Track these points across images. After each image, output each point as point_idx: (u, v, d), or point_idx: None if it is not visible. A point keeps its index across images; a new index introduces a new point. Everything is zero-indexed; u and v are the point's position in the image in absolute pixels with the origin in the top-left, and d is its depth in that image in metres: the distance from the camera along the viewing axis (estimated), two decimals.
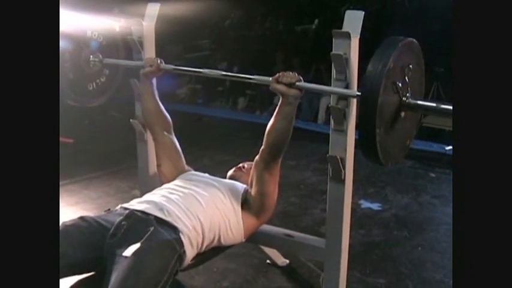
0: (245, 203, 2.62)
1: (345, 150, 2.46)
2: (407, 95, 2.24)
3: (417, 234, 3.97)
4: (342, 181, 2.50)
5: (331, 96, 2.47)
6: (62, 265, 2.18)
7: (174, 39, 10.27)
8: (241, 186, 2.70)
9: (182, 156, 2.92)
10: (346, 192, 2.52)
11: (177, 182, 2.71)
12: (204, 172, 2.84)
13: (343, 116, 2.42)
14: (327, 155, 2.50)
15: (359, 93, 2.24)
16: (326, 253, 2.65)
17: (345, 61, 2.35)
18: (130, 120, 3.20)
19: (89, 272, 2.33)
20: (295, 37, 10.07)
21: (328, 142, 2.51)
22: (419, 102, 2.27)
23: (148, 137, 3.13)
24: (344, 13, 2.43)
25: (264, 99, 8.67)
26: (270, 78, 2.49)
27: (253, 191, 2.63)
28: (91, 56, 3.01)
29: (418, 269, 3.43)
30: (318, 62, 8.41)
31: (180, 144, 2.94)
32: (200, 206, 2.49)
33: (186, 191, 2.58)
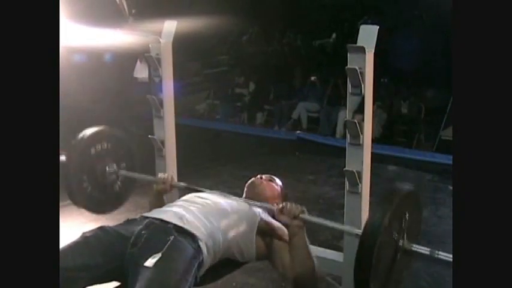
0: (263, 235, 2.62)
1: (362, 164, 2.47)
2: (404, 239, 2.23)
3: (436, 248, 3.93)
4: (359, 195, 2.51)
5: (347, 110, 2.49)
6: (85, 277, 2.23)
7: (193, 55, 10.36)
8: (257, 211, 2.68)
9: None
10: (363, 205, 2.53)
11: (195, 194, 2.74)
12: (224, 187, 2.86)
13: (359, 130, 2.44)
14: (344, 169, 2.51)
15: (359, 233, 2.24)
16: (344, 267, 2.65)
17: (360, 75, 2.37)
18: (149, 136, 3.23)
19: (110, 281, 2.35)
20: (313, 52, 10.09)
21: None
22: (414, 248, 2.27)
23: (167, 152, 3.16)
24: None
25: (282, 115, 8.68)
26: (275, 208, 2.56)
27: (276, 261, 2.60)
28: (107, 167, 3.09)
29: (437, 283, 3.41)
30: (336, 76, 8.42)
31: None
32: (217, 216, 2.51)
33: (203, 201, 2.62)
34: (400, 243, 2.21)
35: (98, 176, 3.06)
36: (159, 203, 2.93)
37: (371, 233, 2.07)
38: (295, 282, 2.53)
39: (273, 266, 2.63)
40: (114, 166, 3.12)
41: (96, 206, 3.18)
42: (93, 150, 3.03)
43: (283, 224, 2.55)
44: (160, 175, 3.03)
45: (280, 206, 2.54)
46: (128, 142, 3.24)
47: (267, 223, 2.64)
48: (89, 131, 3.06)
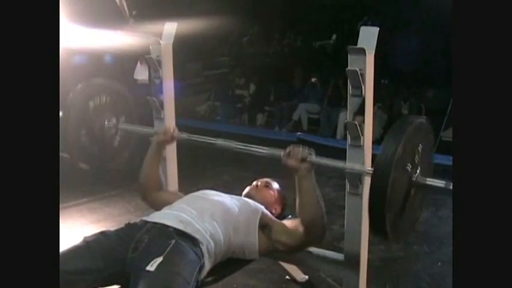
0: (263, 228, 2.61)
1: (362, 165, 2.47)
2: (417, 173, 2.23)
3: (437, 249, 3.94)
4: (360, 196, 2.51)
5: (348, 111, 2.49)
6: (86, 280, 2.23)
7: (193, 56, 10.36)
8: (259, 207, 2.69)
9: (178, 194, 2.90)
10: (364, 207, 2.53)
11: (194, 195, 2.73)
12: (224, 188, 2.85)
13: (359, 132, 2.44)
14: (344, 170, 2.51)
15: (370, 171, 2.25)
16: (345, 268, 2.65)
17: (360, 77, 2.37)
18: (150, 138, 3.23)
19: (111, 285, 2.35)
20: (313, 53, 10.08)
21: None
22: (428, 182, 2.26)
23: (167, 153, 3.16)
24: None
25: (283, 116, 8.67)
26: (282, 153, 2.54)
27: (279, 237, 2.59)
28: (106, 121, 3.06)
29: (438, 284, 3.40)
30: (336, 77, 8.41)
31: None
32: (217, 218, 2.51)
33: (204, 202, 2.61)
34: (414, 178, 2.21)
35: (97, 131, 3.02)
36: (156, 157, 2.91)
37: (385, 164, 2.06)
38: (305, 229, 2.50)
39: (279, 244, 2.58)
40: (114, 120, 3.09)
41: (95, 161, 3.14)
42: (91, 104, 2.98)
43: (291, 168, 2.51)
44: (162, 127, 3.02)
45: (287, 150, 2.53)
46: (127, 95, 3.20)
47: (268, 216, 2.66)
48: (86, 84, 3.01)
